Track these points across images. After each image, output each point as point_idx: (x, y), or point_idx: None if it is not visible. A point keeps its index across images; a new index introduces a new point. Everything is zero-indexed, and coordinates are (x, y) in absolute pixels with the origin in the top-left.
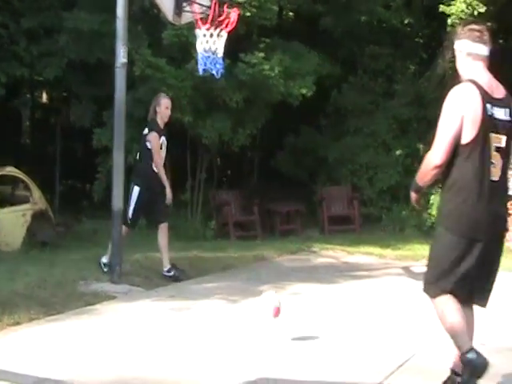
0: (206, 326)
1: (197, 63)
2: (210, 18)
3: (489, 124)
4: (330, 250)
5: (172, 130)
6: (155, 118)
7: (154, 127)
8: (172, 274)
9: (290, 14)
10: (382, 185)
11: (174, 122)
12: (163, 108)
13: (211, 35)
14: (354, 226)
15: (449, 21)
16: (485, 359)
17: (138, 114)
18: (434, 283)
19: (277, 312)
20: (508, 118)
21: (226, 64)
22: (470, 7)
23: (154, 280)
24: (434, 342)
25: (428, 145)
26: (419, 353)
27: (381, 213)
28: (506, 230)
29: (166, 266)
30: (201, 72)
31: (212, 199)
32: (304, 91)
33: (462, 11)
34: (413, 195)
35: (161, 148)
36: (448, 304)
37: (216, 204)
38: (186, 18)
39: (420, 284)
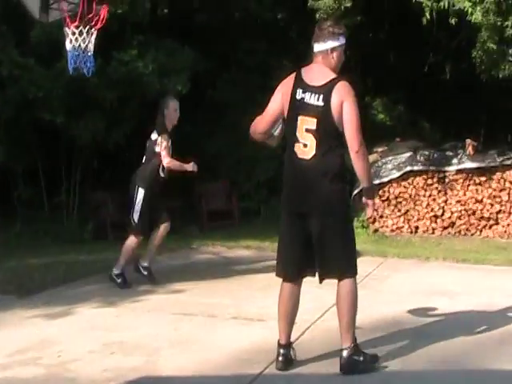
0: (84, 330)
1: (67, 62)
2: (79, 15)
3: (298, 107)
4: (210, 245)
5: (44, 132)
6: (163, 121)
7: (163, 131)
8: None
9: (165, 11)
10: (260, 178)
11: (46, 123)
12: (172, 110)
13: (81, 33)
14: (233, 220)
15: (317, 16)
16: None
17: (6, 115)
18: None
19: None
20: (320, 103)
21: (97, 62)
22: (336, 2)
23: (28, 288)
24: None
25: None
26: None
27: (259, 206)
28: (322, 207)
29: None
30: (71, 71)
31: (88, 201)
32: (179, 88)
33: (329, 6)
34: None
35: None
36: (281, 289)
37: (92, 205)
38: (54, 15)
39: None
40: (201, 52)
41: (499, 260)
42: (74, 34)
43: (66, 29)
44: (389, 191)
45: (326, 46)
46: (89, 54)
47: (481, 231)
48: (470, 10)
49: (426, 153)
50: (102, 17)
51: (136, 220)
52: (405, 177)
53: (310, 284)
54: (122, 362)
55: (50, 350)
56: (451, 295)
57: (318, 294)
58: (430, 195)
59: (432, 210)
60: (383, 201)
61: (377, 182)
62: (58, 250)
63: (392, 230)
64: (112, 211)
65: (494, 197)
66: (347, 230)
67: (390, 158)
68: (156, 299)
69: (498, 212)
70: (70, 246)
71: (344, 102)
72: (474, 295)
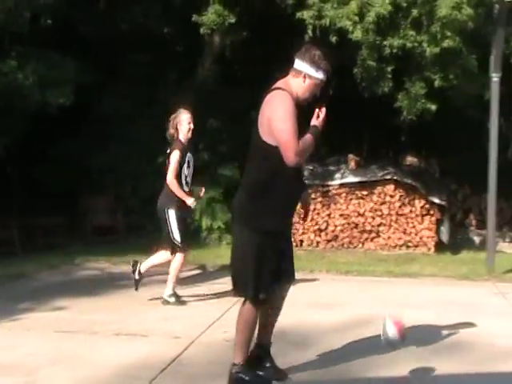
0: None
1: None
2: None
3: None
4: (94, 261)
5: None
6: (177, 135)
7: (176, 145)
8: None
9: (49, 21)
10: (146, 193)
11: None
12: (185, 123)
13: None
14: (118, 235)
15: (201, 30)
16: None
17: None
18: None
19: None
20: (256, 114)
21: None
22: (220, 17)
23: None
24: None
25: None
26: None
27: (145, 221)
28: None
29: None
30: None
31: None
32: (62, 100)
33: (213, 21)
34: None
35: (188, 166)
36: None
37: None
38: None
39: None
40: (86, 64)
41: (380, 271)
42: None
43: None
44: None
45: (303, 68)
46: None
47: (363, 244)
48: (350, 28)
49: (310, 167)
50: None
51: (179, 239)
52: None
53: (198, 299)
54: None
55: None
56: (333, 306)
57: (204, 310)
58: (314, 209)
59: (316, 223)
60: None
61: None
62: None
63: None
64: None
65: (376, 210)
66: (245, 250)
67: None
68: (36, 317)
69: (379, 225)
70: None
71: (270, 111)
72: (355, 306)
